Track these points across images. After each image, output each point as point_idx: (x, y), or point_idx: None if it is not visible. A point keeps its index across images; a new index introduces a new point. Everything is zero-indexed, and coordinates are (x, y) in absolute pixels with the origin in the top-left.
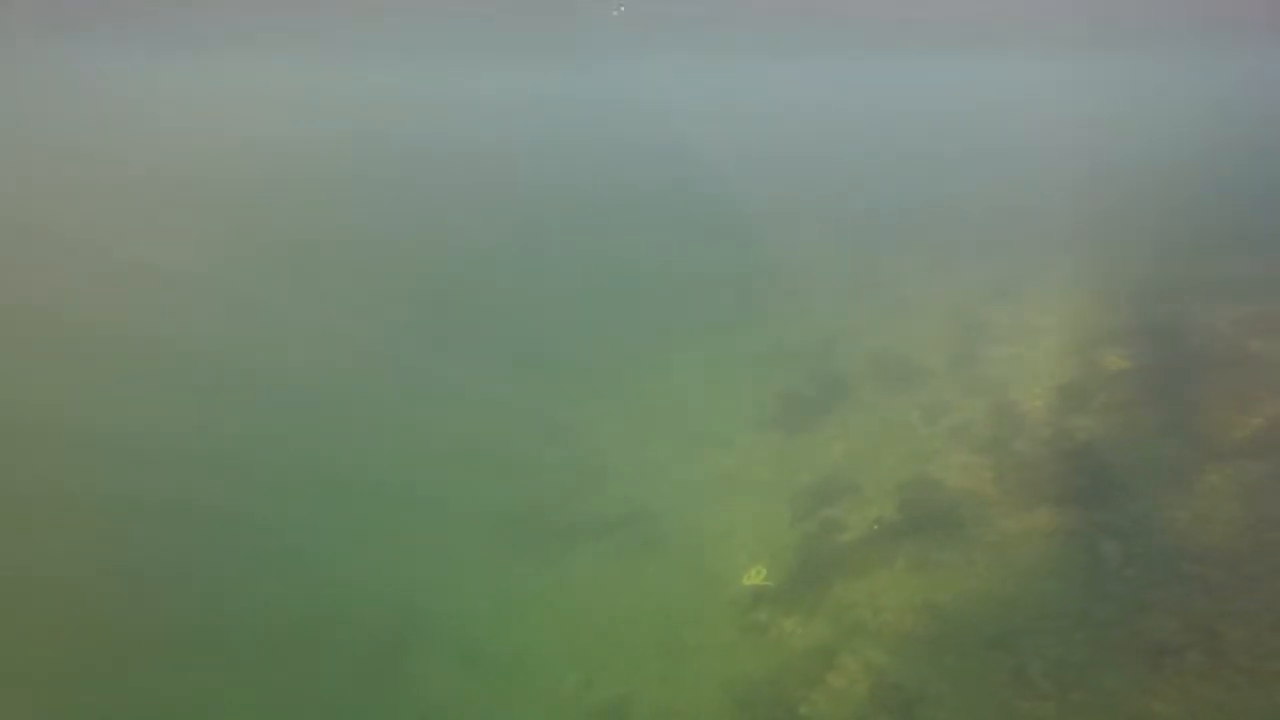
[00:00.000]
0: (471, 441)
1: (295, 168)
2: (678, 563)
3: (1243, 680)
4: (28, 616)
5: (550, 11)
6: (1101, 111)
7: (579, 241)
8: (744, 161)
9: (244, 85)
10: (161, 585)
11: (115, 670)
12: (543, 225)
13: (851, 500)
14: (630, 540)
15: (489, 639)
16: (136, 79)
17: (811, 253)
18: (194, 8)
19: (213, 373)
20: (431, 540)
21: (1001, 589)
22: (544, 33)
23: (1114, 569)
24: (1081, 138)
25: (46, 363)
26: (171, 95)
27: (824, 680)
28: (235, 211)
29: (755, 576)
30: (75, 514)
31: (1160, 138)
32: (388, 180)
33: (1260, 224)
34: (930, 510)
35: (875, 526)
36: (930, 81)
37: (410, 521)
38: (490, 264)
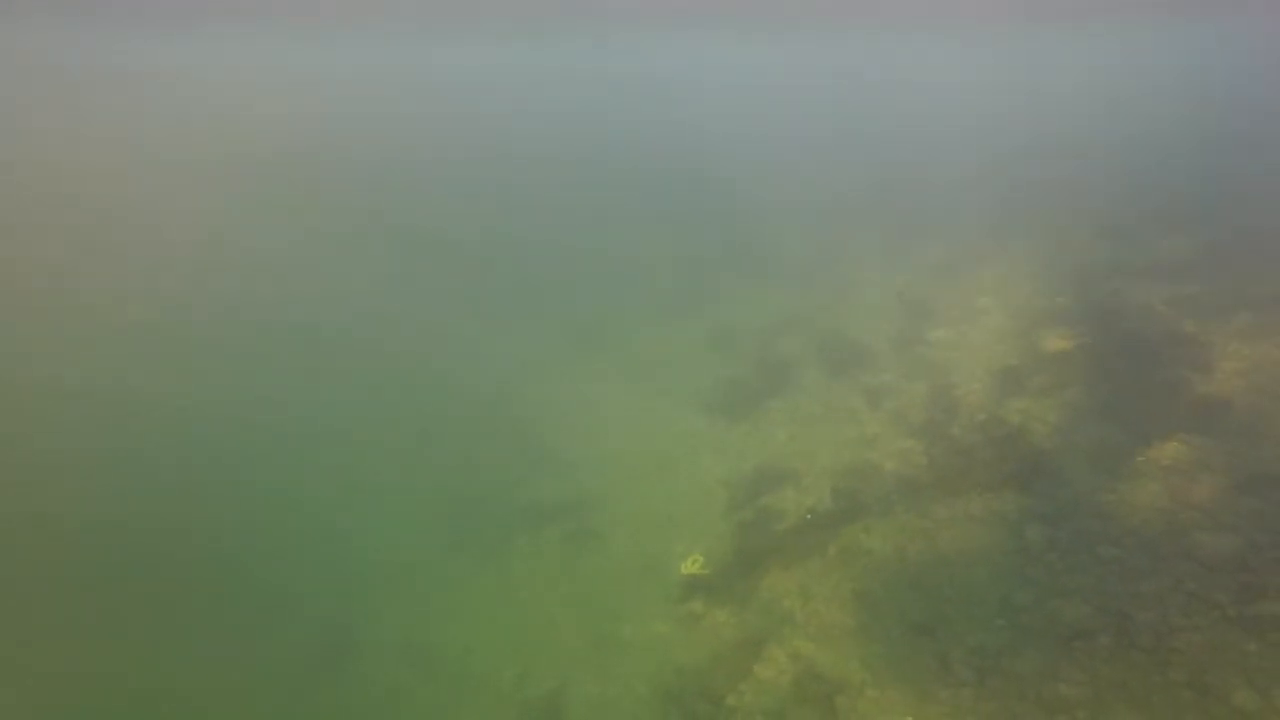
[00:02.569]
0: (418, 426)
1: (276, 143)
2: (617, 551)
3: (1145, 660)
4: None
5: None
6: (1049, 90)
7: (522, 224)
8: (698, 140)
9: (218, 65)
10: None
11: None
12: (481, 208)
13: (791, 486)
14: (571, 528)
15: (431, 632)
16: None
17: (761, 234)
18: None
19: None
20: (379, 530)
21: (929, 575)
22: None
23: (1038, 554)
24: (1028, 116)
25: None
26: (176, 75)
27: (752, 671)
28: (225, 183)
29: (693, 565)
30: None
31: (1104, 117)
32: (353, 158)
33: (1196, 203)
34: (866, 497)
35: (809, 515)
36: (885, 62)
37: (361, 510)
38: (449, 244)
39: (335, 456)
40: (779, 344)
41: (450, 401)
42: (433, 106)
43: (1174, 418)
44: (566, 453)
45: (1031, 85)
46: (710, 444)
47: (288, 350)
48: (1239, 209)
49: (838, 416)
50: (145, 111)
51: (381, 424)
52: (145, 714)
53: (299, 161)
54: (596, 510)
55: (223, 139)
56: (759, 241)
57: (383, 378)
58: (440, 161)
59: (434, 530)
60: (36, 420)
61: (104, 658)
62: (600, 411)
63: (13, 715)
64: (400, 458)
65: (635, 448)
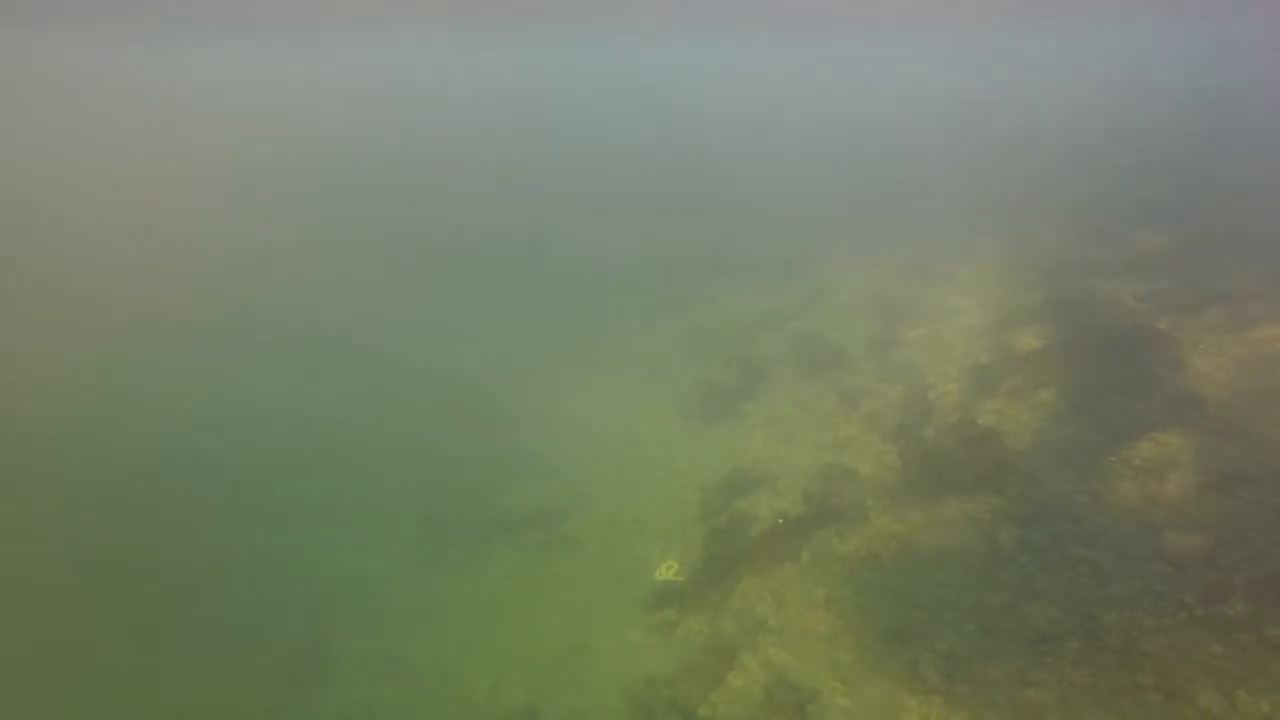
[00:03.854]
0: (394, 435)
1: (272, 149)
2: (592, 558)
3: (1113, 663)
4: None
5: None
6: (1023, 87)
7: (502, 228)
8: (673, 139)
9: (245, 71)
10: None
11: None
12: (462, 213)
13: (766, 491)
14: (546, 536)
15: (406, 642)
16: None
17: (741, 234)
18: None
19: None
20: (355, 539)
21: (902, 580)
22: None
23: (1009, 556)
24: (1002, 114)
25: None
26: (176, 82)
27: (724, 680)
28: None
29: (667, 571)
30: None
31: (1075, 112)
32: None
33: (1170, 200)
34: (840, 501)
35: (780, 520)
36: (859, 57)
37: (337, 520)
38: (427, 248)
39: (309, 463)
40: (756, 345)
41: (426, 406)
42: (420, 112)
43: (1146, 416)
44: (543, 457)
45: (1005, 82)
46: (686, 447)
47: (261, 354)
48: (1213, 205)
49: (813, 419)
50: (169, 121)
51: (357, 429)
52: None
53: (294, 166)
54: (572, 516)
55: (231, 146)
56: (738, 242)
57: (359, 382)
58: (424, 165)
59: (409, 538)
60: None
61: (73, 672)
62: (577, 415)
63: None
64: (376, 464)
65: (611, 452)
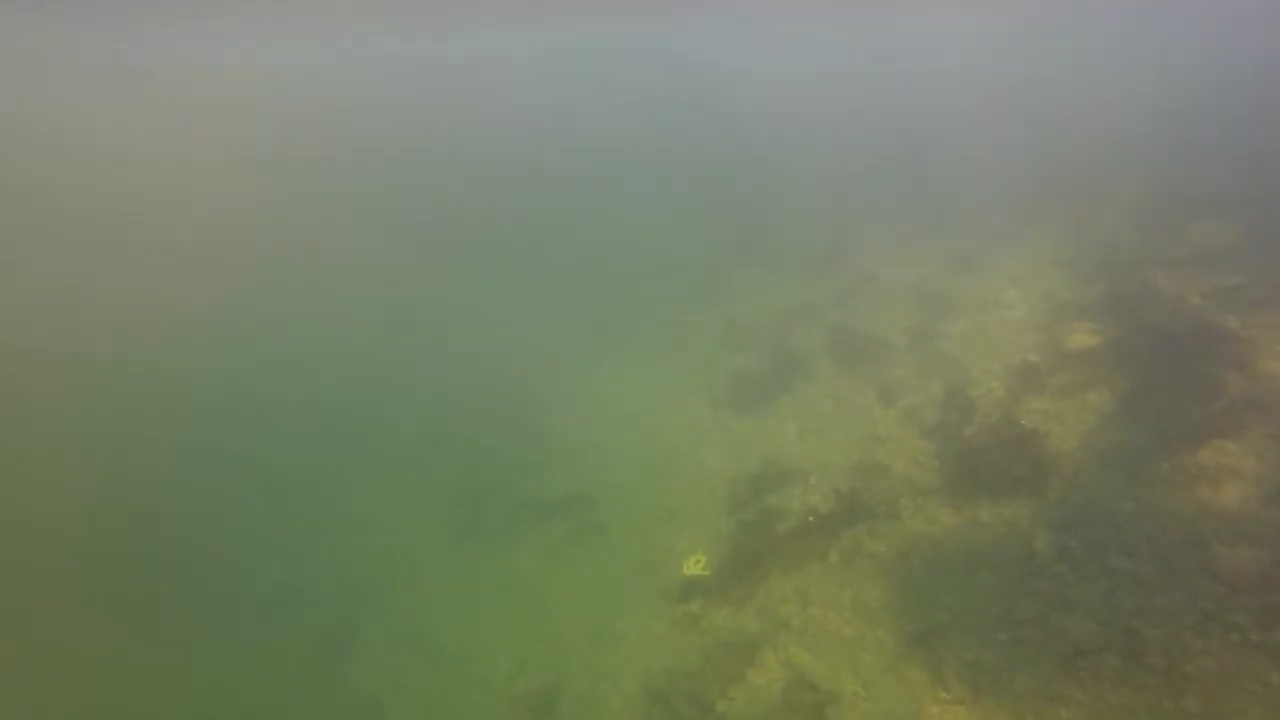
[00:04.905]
0: (426, 420)
1: (292, 138)
2: (618, 548)
3: (1155, 683)
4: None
5: None
6: (1071, 69)
7: (537, 216)
8: (715, 125)
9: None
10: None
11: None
12: (495, 199)
13: (797, 485)
14: (574, 523)
15: (433, 622)
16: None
17: (778, 222)
18: None
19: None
20: (386, 521)
21: (931, 584)
22: None
23: (1045, 564)
24: (1050, 98)
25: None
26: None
27: (744, 677)
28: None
29: (695, 566)
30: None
31: (1130, 98)
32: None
33: (1238, 184)
34: (871, 499)
35: (810, 518)
36: (901, 41)
37: (368, 500)
38: (458, 234)
39: (342, 445)
40: (793, 336)
41: (459, 392)
42: (444, 98)
43: (1205, 420)
44: (573, 445)
45: (1054, 59)
46: (717, 439)
47: (294, 338)
48: None
49: (848, 414)
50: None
51: (390, 413)
52: (150, 705)
53: (320, 153)
54: (601, 504)
55: (262, 135)
56: (778, 230)
57: (390, 366)
58: (457, 152)
59: (439, 521)
60: (34, 406)
61: (114, 648)
62: (609, 403)
63: (16, 714)
64: (407, 448)
65: (642, 441)
